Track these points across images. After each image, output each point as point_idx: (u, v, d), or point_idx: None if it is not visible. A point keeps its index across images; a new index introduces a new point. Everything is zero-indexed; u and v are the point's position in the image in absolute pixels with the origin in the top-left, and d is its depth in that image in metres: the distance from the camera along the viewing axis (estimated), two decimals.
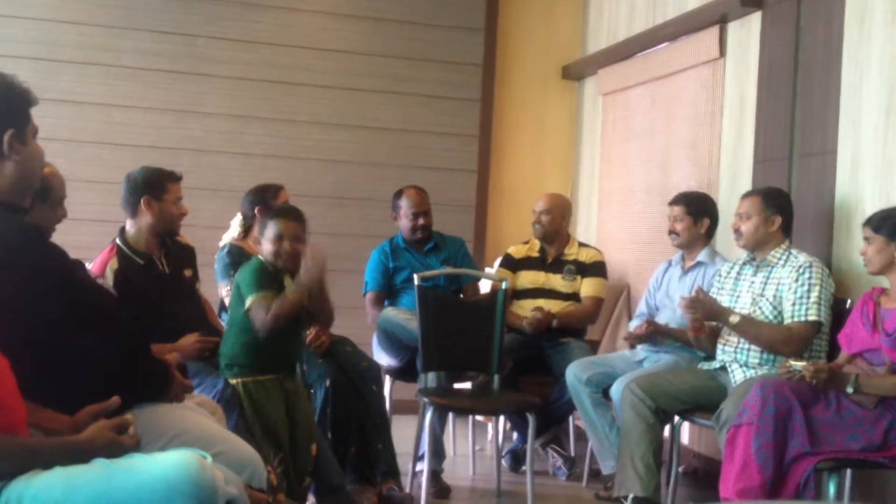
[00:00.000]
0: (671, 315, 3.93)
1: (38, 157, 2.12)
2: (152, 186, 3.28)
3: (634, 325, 4.10)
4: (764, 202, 3.51)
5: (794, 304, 3.36)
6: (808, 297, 3.33)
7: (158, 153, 4.77)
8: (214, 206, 4.84)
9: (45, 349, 2.03)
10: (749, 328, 3.40)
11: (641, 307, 4.16)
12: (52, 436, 1.95)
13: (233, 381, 3.10)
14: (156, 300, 3.16)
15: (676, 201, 3.98)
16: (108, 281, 3.14)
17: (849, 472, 3.07)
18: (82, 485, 1.82)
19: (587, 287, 4.41)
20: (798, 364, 2.98)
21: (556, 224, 4.47)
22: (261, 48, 5.34)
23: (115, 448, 1.91)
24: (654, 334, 3.85)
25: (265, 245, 3.09)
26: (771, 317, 3.43)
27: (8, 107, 2.02)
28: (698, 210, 3.94)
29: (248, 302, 3.02)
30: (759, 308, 3.46)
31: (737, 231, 3.56)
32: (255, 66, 5.32)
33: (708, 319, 3.50)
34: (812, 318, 3.32)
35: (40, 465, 1.84)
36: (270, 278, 3.07)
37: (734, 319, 3.39)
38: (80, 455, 1.87)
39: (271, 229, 3.07)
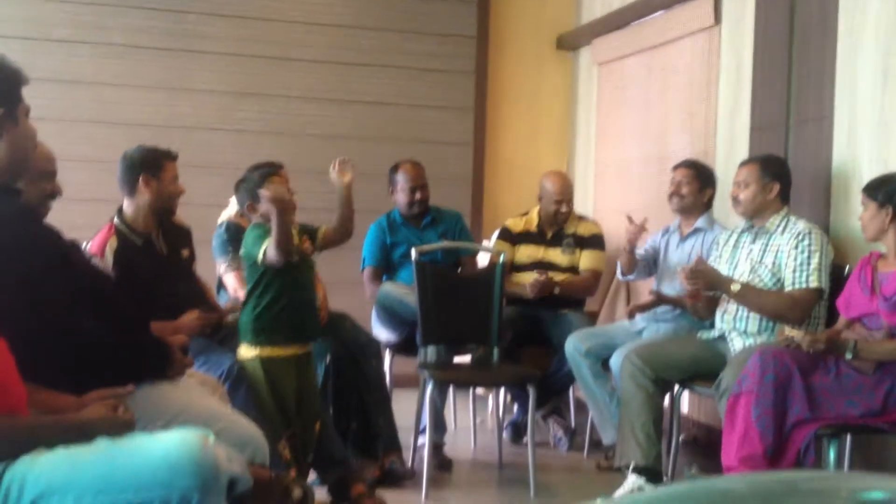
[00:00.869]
0: (670, 284, 3.93)
1: (30, 136, 2.10)
2: (150, 165, 3.27)
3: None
4: (762, 169, 3.50)
5: (794, 272, 3.35)
6: (809, 264, 3.33)
7: (151, 131, 4.73)
8: (208, 183, 4.80)
9: (43, 331, 2.02)
10: (751, 297, 3.39)
11: (640, 251, 4.12)
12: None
13: (251, 355, 3.10)
14: (154, 280, 3.15)
15: (685, 165, 3.98)
16: (108, 260, 3.13)
17: (849, 437, 3.08)
18: (85, 464, 1.81)
19: (586, 260, 4.40)
20: (795, 333, 2.98)
21: (571, 205, 4.47)
22: (252, 23, 5.29)
23: (115, 425, 1.90)
24: (659, 303, 3.86)
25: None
26: (770, 284, 3.43)
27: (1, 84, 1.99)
28: (705, 178, 3.94)
29: (260, 252, 3.03)
30: (758, 275, 3.46)
31: (735, 199, 3.55)
32: (246, 41, 5.27)
33: (709, 289, 3.49)
34: (813, 284, 3.32)
35: (42, 445, 1.83)
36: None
37: (735, 288, 3.38)
38: (80, 433, 1.86)
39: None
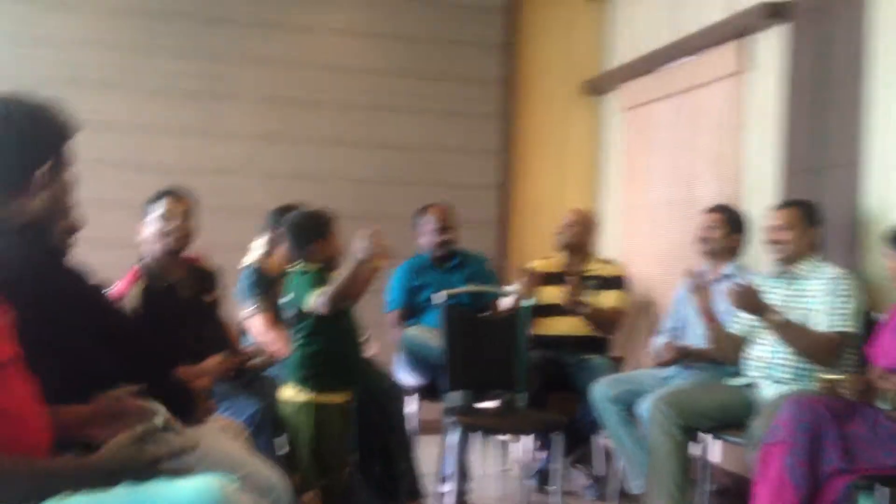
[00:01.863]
0: (697, 332, 3.88)
1: (70, 189, 2.13)
2: (145, 209, 3.32)
3: (660, 341, 4.05)
4: (803, 213, 3.48)
5: (829, 315, 3.31)
6: (844, 309, 3.29)
7: (182, 175, 4.75)
8: (238, 227, 4.82)
9: (65, 374, 2.02)
10: (790, 330, 3.34)
11: (668, 322, 4.11)
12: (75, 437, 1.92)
13: (301, 399, 3.08)
14: (178, 323, 3.16)
15: (716, 209, 3.96)
16: (132, 304, 3.14)
17: (888, 490, 2.99)
18: None
19: (608, 299, 4.38)
20: (832, 376, 2.92)
21: (581, 238, 4.46)
22: (282, 69, 5.36)
23: (141, 463, 1.88)
24: (680, 356, 3.81)
25: (321, 251, 3.12)
26: None
27: (47, 137, 2.00)
28: (736, 224, 3.91)
29: (311, 299, 3.03)
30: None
31: (777, 242, 3.50)
32: (276, 86, 5.34)
33: (750, 312, 3.43)
34: (849, 329, 3.28)
35: (63, 491, 1.81)
36: (322, 277, 3.10)
37: (777, 318, 3.32)
38: (105, 476, 1.84)
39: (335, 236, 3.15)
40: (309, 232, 3.12)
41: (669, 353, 3.80)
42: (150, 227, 3.29)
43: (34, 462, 1.82)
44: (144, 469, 1.87)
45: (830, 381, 2.91)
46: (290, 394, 3.12)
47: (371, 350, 3.66)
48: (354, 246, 3.03)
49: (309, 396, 3.08)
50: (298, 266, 3.15)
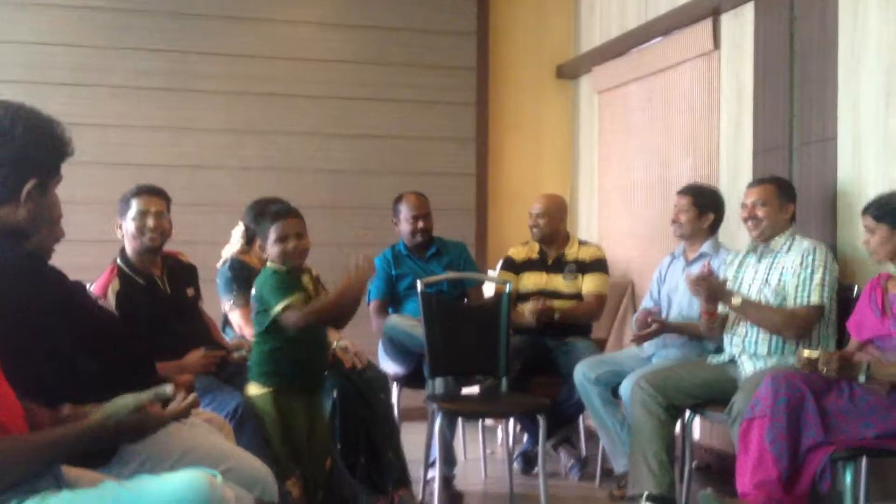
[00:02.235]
0: (678, 309, 3.91)
1: (53, 206, 2.12)
2: (120, 207, 3.29)
3: (637, 317, 4.07)
4: (778, 189, 3.52)
5: (797, 288, 3.35)
6: (811, 281, 3.32)
7: (155, 171, 4.74)
8: (213, 221, 4.82)
9: (47, 374, 2.01)
10: (751, 311, 3.39)
11: (646, 301, 4.13)
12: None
13: (261, 392, 3.07)
14: (158, 319, 3.14)
15: (685, 192, 3.96)
16: (111, 302, 3.12)
17: (864, 460, 3.04)
18: None
19: (588, 284, 4.38)
20: (812, 353, 2.95)
21: (553, 226, 4.45)
22: (253, 61, 5.32)
23: (145, 428, 1.87)
24: (664, 331, 3.83)
25: (272, 250, 3.06)
26: (774, 303, 3.41)
27: (43, 155, 2.00)
28: (705, 204, 3.91)
29: (279, 307, 2.98)
30: (763, 295, 3.45)
31: (754, 218, 3.52)
32: (247, 79, 5.31)
33: (711, 300, 3.47)
34: (814, 301, 3.31)
35: (61, 459, 1.80)
36: (291, 282, 3.05)
37: (736, 301, 3.38)
38: (101, 438, 1.83)
39: (274, 233, 3.04)
40: (255, 228, 3.12)
41: (650, 325, 3.81)
42: (127, 225, 3.27)
43: (26, 436, 1.80)
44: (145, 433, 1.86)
45: (810, 357, 2.94)
46: (252, 388, 3.10)
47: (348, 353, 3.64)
48: (344, 271, 3.01)
49: (269, 389, 3.06)
50: (270, 263, 3.13)
